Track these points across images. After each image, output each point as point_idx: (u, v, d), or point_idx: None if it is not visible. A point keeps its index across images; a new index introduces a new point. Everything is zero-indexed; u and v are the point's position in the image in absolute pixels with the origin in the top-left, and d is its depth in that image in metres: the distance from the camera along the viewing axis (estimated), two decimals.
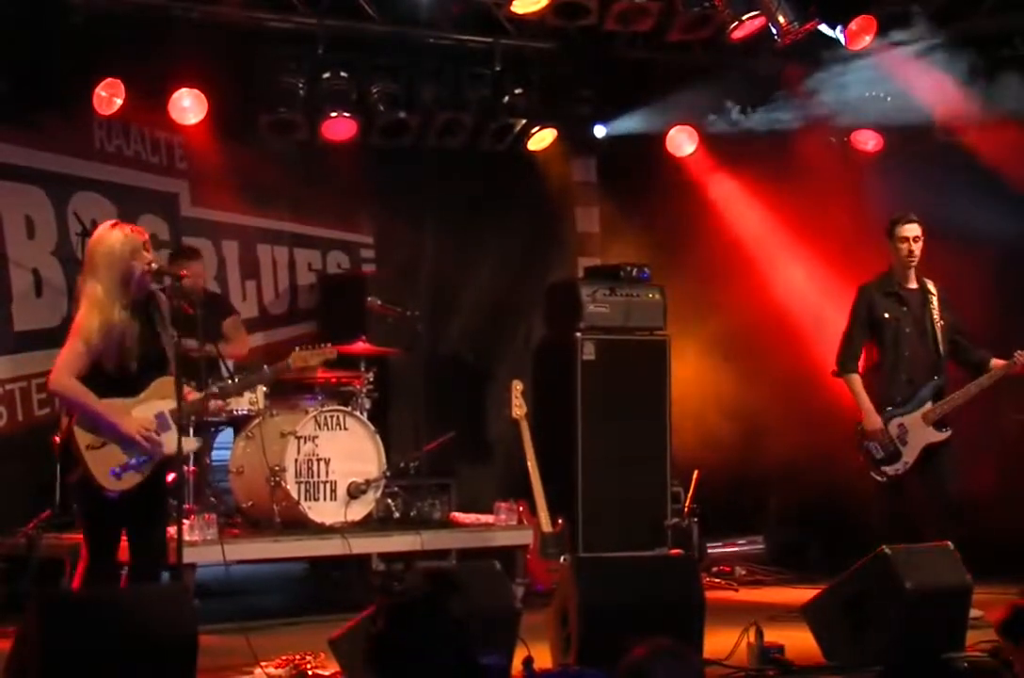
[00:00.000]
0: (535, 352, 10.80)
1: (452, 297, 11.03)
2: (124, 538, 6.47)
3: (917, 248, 8.20)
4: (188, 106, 9.31)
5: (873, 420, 8.14)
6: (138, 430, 6.26)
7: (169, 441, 6.34)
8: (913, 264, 8.24)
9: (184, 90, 9.23)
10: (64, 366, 6.27)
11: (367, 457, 8.84)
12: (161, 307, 6.44)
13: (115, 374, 6.26)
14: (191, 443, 6.58)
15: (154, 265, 6.41)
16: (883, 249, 8.42)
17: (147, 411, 6.34)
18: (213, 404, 6.70)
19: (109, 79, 8.97)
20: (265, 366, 7.21)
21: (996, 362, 8.21)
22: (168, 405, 6.35)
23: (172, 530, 6.55)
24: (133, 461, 6.28)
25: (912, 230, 8.20)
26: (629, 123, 10.74)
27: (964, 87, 9.45)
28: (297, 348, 7.55)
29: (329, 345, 7.64)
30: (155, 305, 6.42)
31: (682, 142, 10.81)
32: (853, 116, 10.24)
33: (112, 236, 6.37)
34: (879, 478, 8.16)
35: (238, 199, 10.27)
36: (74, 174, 9.55)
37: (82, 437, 6.26)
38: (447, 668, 5.09)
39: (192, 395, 6.50)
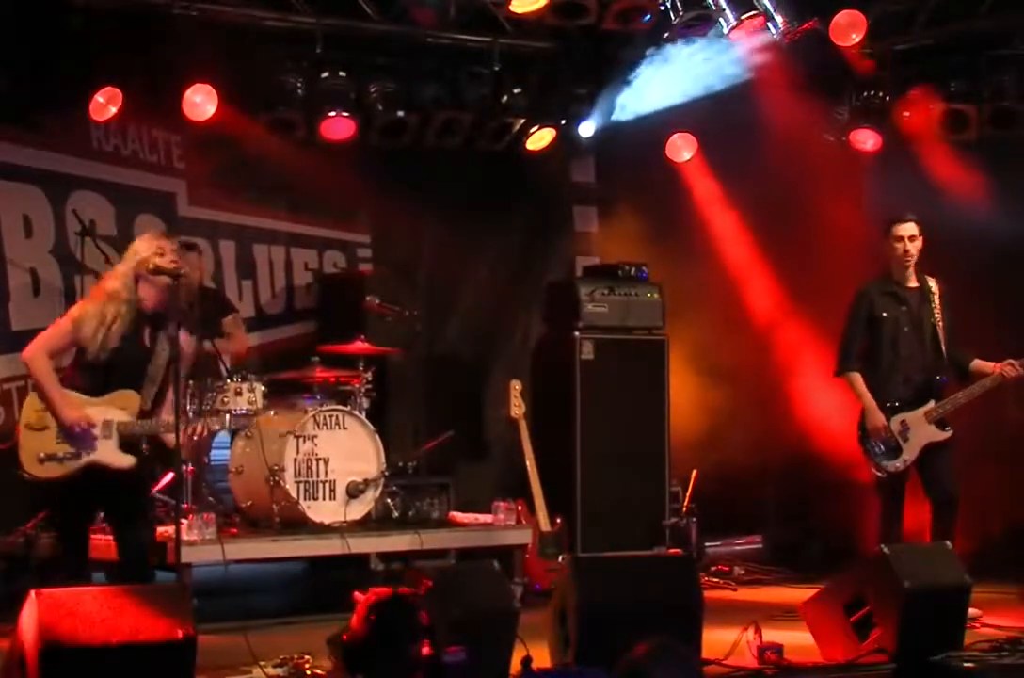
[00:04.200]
0: (534, 351, 10.81)
1: (450, 296, 11.04)
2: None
3: (913, 247, 8.18)
4: (200, 101, 9.29)
5: (876, 417, 8.13)
6: (78, 420, 6.39)
7: (103, 449, 6.47)
8: (909, 264, 8.23)
9: (197, 85, 9.21)
10: (44, 340, 6.55)
11: (366, 456, 8.84)
12: (177, 336, 6.52)
13: (90, 365, 6.44)
14: (126, 459, 6.58)
15: (151, 265, 6.48)
16: (882, 249, 8.43)
17: (98, 414, 6.48)
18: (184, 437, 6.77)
19: (108, 87, 8.96)
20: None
21: (978, 363, 8.21)
22: (120, 416, 6.52)
23: (171, 530, 6.58)
24: (60, 454, 6.44)
25: (908, 229, 8.18)
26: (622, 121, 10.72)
27: None
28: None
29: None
30: (171, 330, 6.51)
31: (681, 148, 10.81)
32: None
33: (136, 242, 6.73)
34: (879, 474, 8.16)
35: (235, 199, 10.28)
36: (72, 173, 9.56)
37: (26, 413, 6.50)
38: (411, 663, 5.17)
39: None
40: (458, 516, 9.43)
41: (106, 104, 9.06)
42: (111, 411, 6.50)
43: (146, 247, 6.59)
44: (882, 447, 8.14)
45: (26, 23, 8.71)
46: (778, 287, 10.60)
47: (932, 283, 8.30)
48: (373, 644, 5.40)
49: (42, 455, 6.45)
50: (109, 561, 6.99)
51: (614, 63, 10.38)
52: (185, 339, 6.63)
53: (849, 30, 9.43)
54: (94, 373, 6.49)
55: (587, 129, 10.76)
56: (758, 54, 9.61)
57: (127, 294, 6.51)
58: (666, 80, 10.08)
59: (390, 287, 10.01)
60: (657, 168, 10.82)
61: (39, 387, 6.53)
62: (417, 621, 5.44)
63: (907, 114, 10.03)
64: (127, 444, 6.53)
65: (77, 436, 6.43)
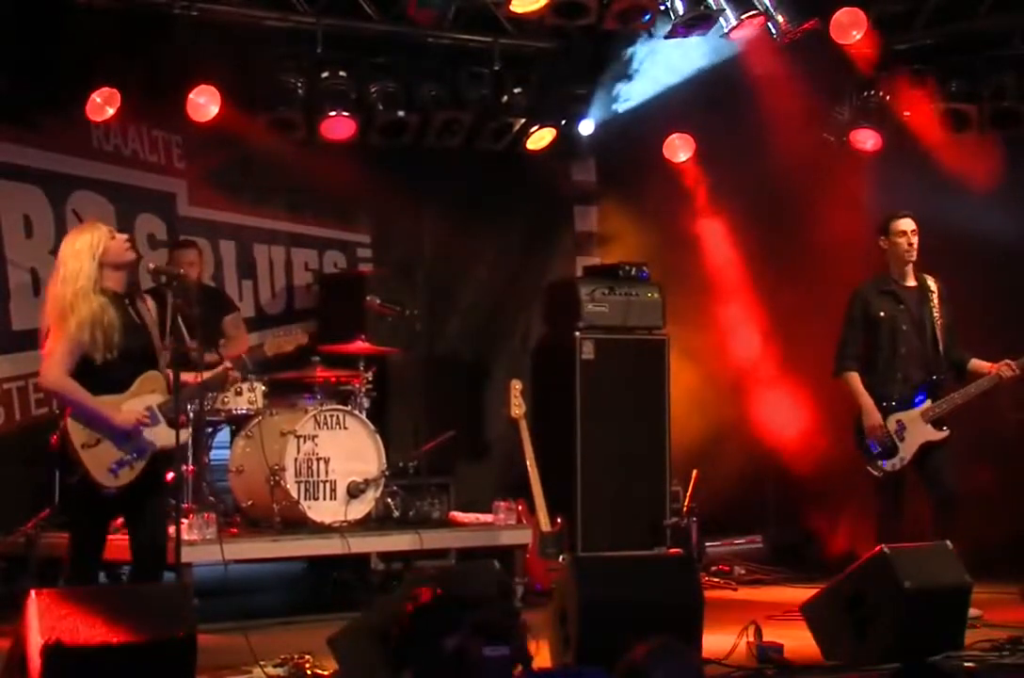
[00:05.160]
0: (534, 351, 10.81)
1: (451, 296, 11.04)
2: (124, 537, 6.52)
3: (915, 241, 8.20)
4: (204, 102, 9.30)
5: (872, 417, 8.13)
6: (136, 419, 6.30)
7: (158, 435, 6.39)
8: (911, 258, 8.24)
9: (201, 86, 9.22)
10: (54, 362, 6.29)
11: (367, 456, 8.84)
12: (146, 304, 6.48)
13: (102, 367, 6.29)
14: (183, 434, 6.58)
15: (151, 265, 6.47)
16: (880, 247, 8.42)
17: (137, 406, 6.38)
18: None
19: (106, 88, 8.96)
20: (243, 356, 7.28)
21: (975, 363, 8.21)
22: (156, 399, 6.42)
23: (171, 530, 6.55)
24: (127, 456, 6.31)
25: (908, 224, 8.22)
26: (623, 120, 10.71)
27: None
28: (270, 336, 7.59)
29: (299, 331, 7.69)
30: (141, 301, 6.46)
31: (679, 149, 10.82)
32: None
33: (79, 235, 6.46)
34: (876, 473, 8.17)
35: (236, 199, 10.28)
36: (72, 173, 9.56)
37: (76, 435, 6.28)
38: (453, 659, 5.19)
39: (204, 375, 6.59)
40: (458, 516, 9.44)
41: (103, 105, 9.06)
42: (144, 398, 6.38)
43: (98, 236, 6.36)
44: (878, 447, 8.14)
45: (26, 23, 8.71)
46: (778, 287, 10.59)
47: (931, 282, 8.31)
48: (412, 638, 5.42)
49: (112, 465, 6.28)
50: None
51: (613, 60, 10.38)
52: (149, 305, 6.57)
53: (850, 28, 9.43)
54: (120, 368, 6.33)
55: (587, 127, 10.76)
56: (757, 53, 9.63)
57: (97, 287, 6.32)
58: (660, 64, 10.10)
59: (390, 287, 10.01)
60: (657, 168, 10.82)
61: (75, 404, 6.29)
62: (459, 617, 5.45)
63: (907, 114, 10.03)
64: (172, 421, 6.43)
65: (134, 435, 6.30)
